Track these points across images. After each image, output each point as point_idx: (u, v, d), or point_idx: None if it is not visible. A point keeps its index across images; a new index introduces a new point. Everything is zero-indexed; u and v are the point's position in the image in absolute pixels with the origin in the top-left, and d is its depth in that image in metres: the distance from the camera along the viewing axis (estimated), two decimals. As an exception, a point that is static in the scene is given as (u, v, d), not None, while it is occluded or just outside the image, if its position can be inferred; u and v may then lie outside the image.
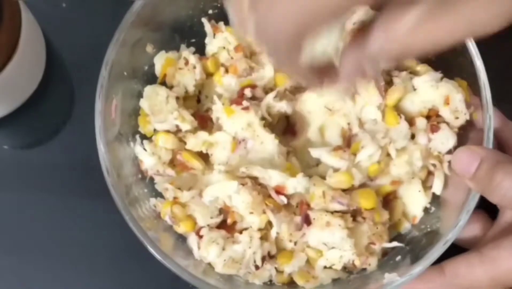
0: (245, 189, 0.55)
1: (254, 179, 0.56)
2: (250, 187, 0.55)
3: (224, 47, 0.63)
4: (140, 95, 0.60)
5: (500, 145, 0.59)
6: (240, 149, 0.58)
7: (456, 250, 0.56)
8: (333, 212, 0.56)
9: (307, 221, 0.55)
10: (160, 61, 0.61)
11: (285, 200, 0.56)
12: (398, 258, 0.57)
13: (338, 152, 0.57)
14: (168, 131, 0.59)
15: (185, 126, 0.59)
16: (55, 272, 0.63)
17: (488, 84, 0.55)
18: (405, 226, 0.60)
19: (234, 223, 0.58)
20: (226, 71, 0.62)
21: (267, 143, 0.57)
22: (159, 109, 0.58)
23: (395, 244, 0.58)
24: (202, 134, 0.58)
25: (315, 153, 0.57)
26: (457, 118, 0.58)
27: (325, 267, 0.57)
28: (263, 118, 0.58)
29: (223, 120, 0.58)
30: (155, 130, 0.60)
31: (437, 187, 0.59)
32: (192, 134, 0.59)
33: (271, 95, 0.59)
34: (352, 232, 0.56)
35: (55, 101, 0.66)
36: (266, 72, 0.61)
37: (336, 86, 0.43)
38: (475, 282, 0.52)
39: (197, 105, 0.63)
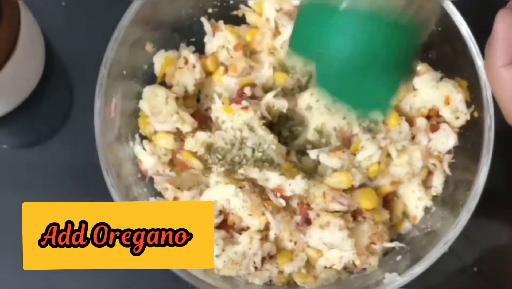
0: (243, 192, 0.55)
1: (253, 181, 0.56)
2: (248, 190, 0.55)
3: (223, 46, 0.62)
4: (139, 95, 0.59)
5: None
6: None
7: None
8: (333, 212, 0.56)
9: (307, 221, 0.55)
10: (160, 61, 0.61)
11: (283, 203, 0.56)
12: (399, 258, 0.57)
13: (337, 152, 0.57)
14: (168, 131, 0.59)
15: (185, 128, 0.59)
16: (55, 271, 0.63)
17: (489, 84, 0.55)
18: (406, 226, 0.60)
19: (234, 223, 0.58)
20: (226, 70, 0.62)
21: (266, 143, 0.57)
22: (159, 110, 0.58)
23: (395, 244, 0.58)
24: (201, 135, 0.58)
25: (313, 154, 0.57)
26: (457, 118, 0.58)
27: (325, 267, 0.57)
28: (262, 117, 0.58)
29: (222, 120, 0.58)
30: (155, 130, 0.60)
31: (437, 187, 0.59)
32: (192, 134, 0.59)
33: (271, 94, 0.59)
34: (353, 231, 0.56)
35: (54, 100, 0.66)
36: (265, 71, 0.61)
37: None
38: None
39: (197, 105, 0.63)
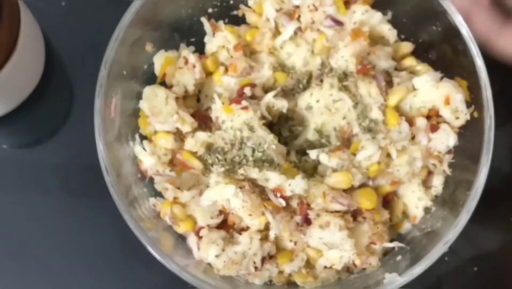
0: (243, 192, 0.55)
1: (252, 181, 0.56)
2: (248, 190, 0.55)
3: (223, 46, 0.62)
4: (139, 95, 0.59)
5: None
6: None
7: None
8: (333, 212, 0.56)
9: (307, 221, 0.55)
10: (160, 60, 0.61)
11: (283, 203, 0.55)
12: (399, 258, 0.57)
13: (337, 152, 0.57)
14: (168, 131, 0.59)
15: (185, 128, 0.59)
16: (55, 272, 0.63)
17: (489, 84, 0.55)
18: (406, 226, 0.60)
19: (234, 222, 0.58)
20: (226, 70, 0.62)
21: (266, 143, 0.57)
22: (159, 110, 0.58)
23: (395, 244, 0.58)
24: (201, 135, 0.58)
25: (313, 154, 0.57)
26: (457, 118, 0.58)
27: (325, 267, 0.57)
28: (262, 117, 0.58)
29: (222, 120, 0.58)
30: (155, 130, 0.60)
31: (437, 187, 0.59)
32: (192, 134, 0.59)
33: (271, 94, 0.59)
34: (353, 231, 0.56)
35: (54, 100, 0.66)
36: (265, 71, 0.61)
37: None
38: None
39: (197, 105, 0.63)
